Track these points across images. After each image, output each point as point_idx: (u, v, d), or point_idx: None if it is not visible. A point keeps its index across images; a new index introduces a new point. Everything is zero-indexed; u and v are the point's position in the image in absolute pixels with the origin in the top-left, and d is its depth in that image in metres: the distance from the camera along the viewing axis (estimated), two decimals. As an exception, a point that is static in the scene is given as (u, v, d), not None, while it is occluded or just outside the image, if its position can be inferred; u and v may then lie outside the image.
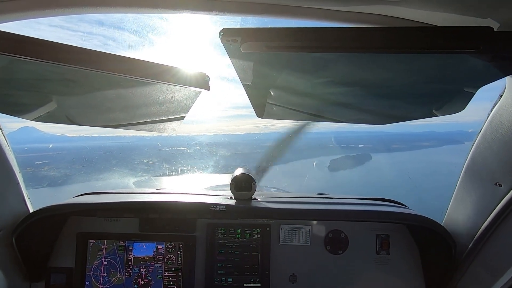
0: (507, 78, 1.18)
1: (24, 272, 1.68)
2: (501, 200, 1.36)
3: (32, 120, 1.41)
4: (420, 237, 1.84)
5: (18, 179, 1.64)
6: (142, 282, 1.82)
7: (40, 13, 1.05)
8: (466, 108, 1.17)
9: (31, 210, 1.74)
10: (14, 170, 1.59)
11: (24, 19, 1.08)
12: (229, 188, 1.83)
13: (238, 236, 1.87)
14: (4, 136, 1.53)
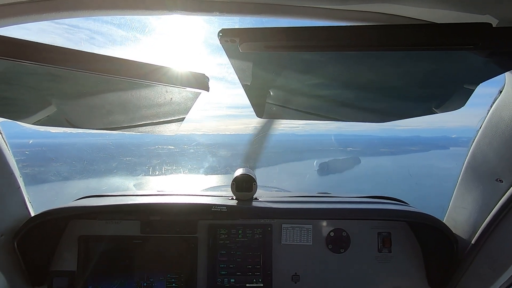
0: (507, 74, 1.18)
1: (26, 276, 1.68)
2: (502, 196, 1.36)
3: (32, 124, 1.41)
4: (422, 234, 1.84)
5: (19, 183, 1.64)
6: (145, 284, 1.81)
7: (32, 18, 1.05)
8: (449, 114, 1.18)
9: (32, 214, 1.74)
10: (15, 174, 1.59)
11: (16, 24, 1.08)
12: (229, 188, 1.83)
13: (240, 236, 1.87)
14: (5, 140, 1.53)
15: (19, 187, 1.64)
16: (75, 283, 1.78)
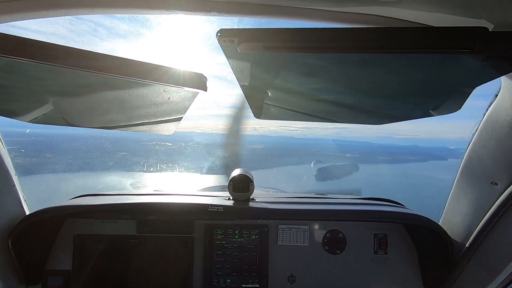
0: (502, 78, 1.19)
1: (20, 275, 1.66)
2: (497, 199, 1.37)
3: (28, 122, 1.40)
4: (418, 236, 1.85)
5: (14, 181, 1.62)
6: (140, 283, 1.80)
7: (31, 15, 1.05)
8: (447, 126, 1.19)
9: (27, 213, 1.73)
10: (10, 172, 1.58)
11: (15, 21, 1.07)
12: (227, 188, 1.83)
13: (236, 237, 1.87)
14: (0, 138, 1.52)
15: (14, 185, 1.63)
16: (70, 282, 1.77)
